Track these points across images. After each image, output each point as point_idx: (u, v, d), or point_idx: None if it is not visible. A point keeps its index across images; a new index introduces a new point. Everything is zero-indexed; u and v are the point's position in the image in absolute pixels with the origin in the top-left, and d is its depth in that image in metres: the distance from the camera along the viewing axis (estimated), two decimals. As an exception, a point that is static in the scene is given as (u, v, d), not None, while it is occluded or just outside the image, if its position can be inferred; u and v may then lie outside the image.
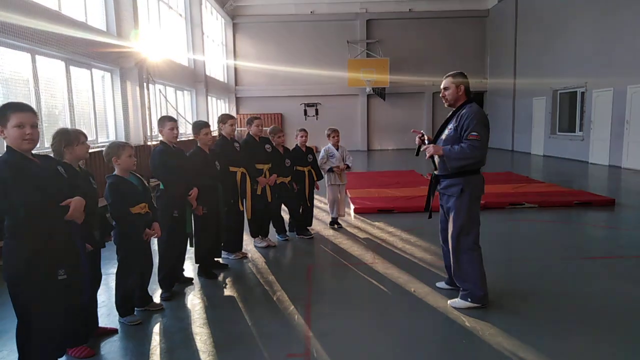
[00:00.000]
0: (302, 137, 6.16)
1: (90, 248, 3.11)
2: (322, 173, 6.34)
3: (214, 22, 19.43)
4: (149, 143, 10.10)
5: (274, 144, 5.71)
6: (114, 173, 3.53)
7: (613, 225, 6.59)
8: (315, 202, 6.58)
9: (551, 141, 16.13)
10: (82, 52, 7.88)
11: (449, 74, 3.75)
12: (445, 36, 21.07)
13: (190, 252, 4.59)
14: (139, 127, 10.00)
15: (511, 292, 4.02)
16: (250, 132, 5.46)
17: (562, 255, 5.15)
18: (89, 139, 3.61)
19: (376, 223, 6.76)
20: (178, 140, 4.39)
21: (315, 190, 6.32)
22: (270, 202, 5.53)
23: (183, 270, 4.53)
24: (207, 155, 4.61)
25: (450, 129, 3.65)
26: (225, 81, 20.73)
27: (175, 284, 4.28)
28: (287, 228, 6.10)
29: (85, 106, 8.43)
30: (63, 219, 2.54)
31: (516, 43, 18.40)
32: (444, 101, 3.78)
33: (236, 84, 21.52)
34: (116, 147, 3.50)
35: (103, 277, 3.49)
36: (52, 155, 3.04)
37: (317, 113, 21.55)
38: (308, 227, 6.21)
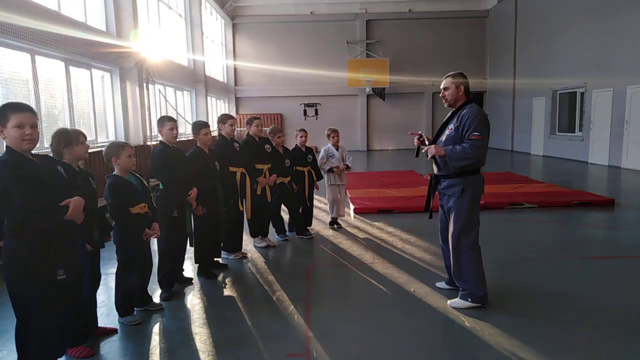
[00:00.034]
0: (301, 137, 6.16)
1: (90, 248, 3.11)
2: (322, 173, 6.34)
3: (214, 23, 19.43)
4: (148, 143, 10.10)
5: (273, 144, 5.71)
6: (113, 173, 3.53)
7: (612, 225, 6.59)
8: (315, 202, 6.58)
9: (551, 141, 16.13)
10: (81, 52, 7.88)
11: (449, 74, 3.75)
12: (445, 36, 21.07)
13: (189, 252, 4.59)
14: (138, 127, 10.00)
15: (511, 292, 4.02)
16: (250, 132, 5.46)
17: (562, 256, 5.15)
18: (89, 139, 3.61)
19: (376, 223, 6.76)
20: (178, 140, 4.39)
21: (315, 190, 6.32)
22: (270, 202, 5.53)
23: (183, 270, 4.53)
24: (206, 156, 4.60)
25: (451, 129, 3.66)
26: (225, 81, 20.73)
27: (174, 284, 4.28)
28: (286, 228, 6.10)
29: (85, 106, 8.43)
30: (62, 219, 2.54)
31: (516, 43, 18.41)
32: (443, 101, 3.78)
33: (236, 84, 21.52)
34: (116, 147, 3.49)
35: (102, 277, 3.49)
36: (51, 155, 3.04)
37: (316, 113, 21.55)
38: (308, 227, 6.21)
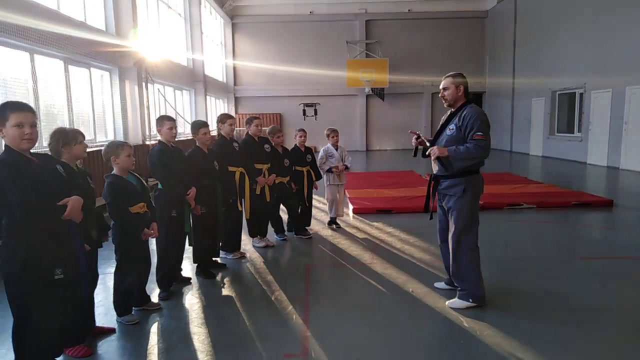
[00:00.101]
0: (301, 137, 6.16)
1: (89, 248, 3.10)
2: (321, 173, 6.34)
3: (213, 22, 19.42)
4: (147, 142, 10.09)
5: (273, 144, 5.71)
6: (112, 172, 3.53)
7: (611, 226, 6.60)
8: (314, 202, 6.58)
9: (550, 142, 16.15)
10: (81, 51, 7.87)
11: (449, 74, 3.76)
12: (445, 37, 21.08)
13: (188, 251, 4.58)
14: (137, 127, 9.99)
15: (509, 292, 4.02)
16: (250, 132, 5.46)
17: (560, 256, 5.15)
18: (88, 138, 3.61)
19: (375, 223, 6.76)
20: (177, 139, 4.39)
21: (314, 190, 6.32)
22: (269, 202, 5.53)
23: (181, 269, 4.53)
24: (205, 155, 4.60)
25: (452, 129, 3.66)
26: (224, 81, 20.73)
27: (173, 284, 4.28)
28: (285, 228, 6.10)
29: (84, 106, 8.42)
30: (61, 218, 2.54)
31: (515, 44, 18.42)
32: (443, 101, 3.79)
33: (235, 84, 21.51)
34: (115, 147, 3.49)
35: (100, 276, 3.49)
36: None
37: (316, 113, 21.55)
38: (307, 227, 6.21)
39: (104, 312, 3.73)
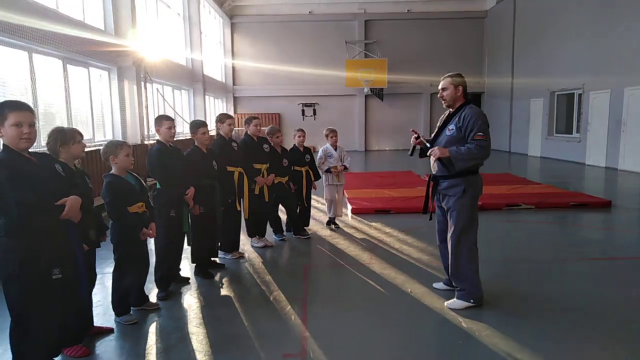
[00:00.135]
0: (299, 137, 6.16)
1: (87, 248, 3.10)
2: (320, 173, 6.34)
3: (212, 22, 19.40)
4: (146, 142, 10.08)
5: (271, 144, 5.71)
6: (111, 172, 3.52)
7: (609, 226, 6.61)
8: (313, 202, 6.58)
9: (548, 143, 16.17)
10: (79, 50, 7.86)
11: (448, 74, 3.76)
12: (444, 37, 21.09)
13: (187, 251, 4.58)
14: (136, 126, 9.98)
15: (508, 293, 4.03)
16: (249, 132, 5.46)
17: (559, 257, 5.16)
18: (86, 137, 3.60)
19: (373, 223, 6.76)
20: (175, 139, 4.38)
21: (313, 190, 6.32)
22: (268, 202, 5.53)
23: (180, 269, 4.52)
24: (204, 155, 4.60)
25: (452, 129, 3.66)
26: (223, 80, 20.71)
27: (171, 284, 4.27)
28: (284, 228, 6.10)
29: (83, 105, 8.40)
30: (59, 218, 2.53)
31: (514, 44, 18.44)
32: (442, 101, 3.79)
33: (234, 84, 21.50)
34: (114, 146, 3.49)
35: (98, 276, 3.49)
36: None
37: (314, 113, 21.56)
38: (305, 227, 6.21)
39: (102, 312, 3.72)
